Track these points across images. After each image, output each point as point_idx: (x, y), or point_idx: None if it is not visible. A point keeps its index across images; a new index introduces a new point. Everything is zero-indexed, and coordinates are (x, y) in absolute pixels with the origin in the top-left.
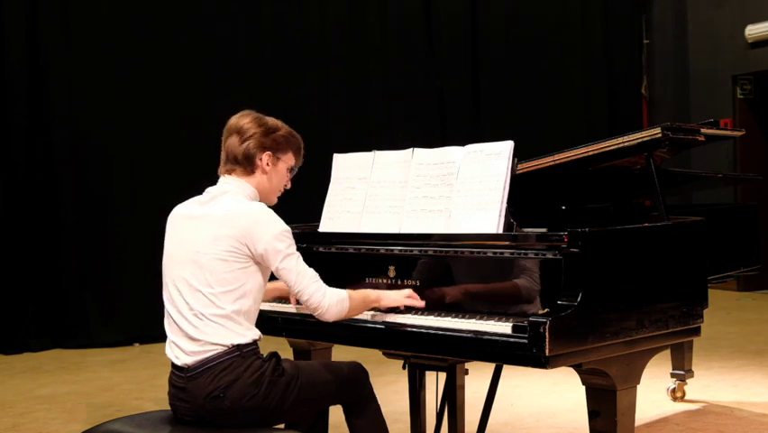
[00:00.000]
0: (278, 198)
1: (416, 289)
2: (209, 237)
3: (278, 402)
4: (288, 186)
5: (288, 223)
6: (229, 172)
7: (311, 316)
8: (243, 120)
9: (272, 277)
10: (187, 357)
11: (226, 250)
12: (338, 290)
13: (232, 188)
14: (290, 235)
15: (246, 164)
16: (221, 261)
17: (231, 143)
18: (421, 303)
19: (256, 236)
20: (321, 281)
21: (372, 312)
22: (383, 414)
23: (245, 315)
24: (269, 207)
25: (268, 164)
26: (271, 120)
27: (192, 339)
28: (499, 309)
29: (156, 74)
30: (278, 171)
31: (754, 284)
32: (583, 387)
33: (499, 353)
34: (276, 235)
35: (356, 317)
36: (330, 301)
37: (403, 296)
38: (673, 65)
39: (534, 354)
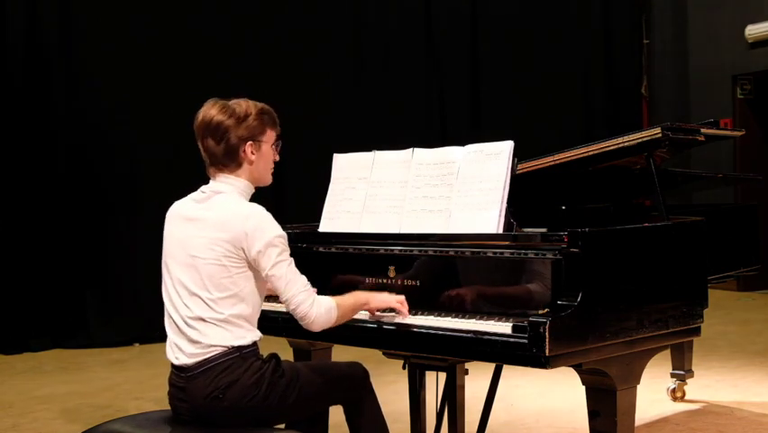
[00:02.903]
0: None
1: (416, 289)
2: (206, 242)
3: (279, 403)
4: (277, 158)
5: (287, 223)
6: (219, 171)
7: None
8: (210, 114)
9: None
10: (187, 358)
11: (223, 255)
12: (327, 298)
13: (225, 186)
14: (285, 241)
15: (231, 161)
16: (219, 266)
17: (209, 146)
18: (406, 313)
19: (251, 241)
20: (311, 290)
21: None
22: (383, 414)
23: (245, 318)
24: (268, 186)
25: (252, 153)
26: (238, 105)
27: (192, 342)
28: (499, 309)
29: (156, 74)
30: (264, 154)
31: (754, 284)
32: (583, 387)
33: (499, 353)
34: (270, 241)
35: (356, 317)
36: (318, 312)
37: (393, 299)
38: (673, 65)
39: (534, 354)
